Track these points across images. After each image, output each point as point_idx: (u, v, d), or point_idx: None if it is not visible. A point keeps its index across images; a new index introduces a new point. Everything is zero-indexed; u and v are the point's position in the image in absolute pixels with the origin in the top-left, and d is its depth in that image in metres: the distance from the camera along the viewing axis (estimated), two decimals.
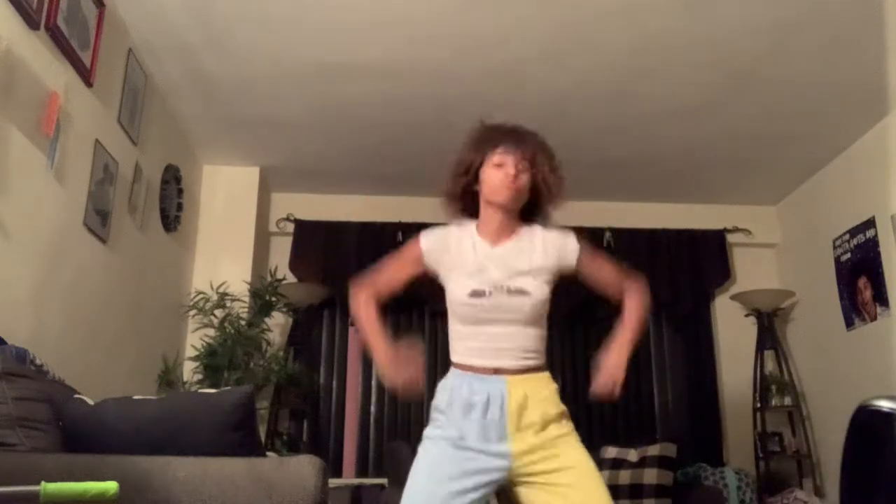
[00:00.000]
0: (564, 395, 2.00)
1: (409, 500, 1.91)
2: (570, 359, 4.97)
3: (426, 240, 2.10)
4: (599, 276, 2.15)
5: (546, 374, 2.00)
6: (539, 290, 1.99)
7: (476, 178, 2.05)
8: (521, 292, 1.97)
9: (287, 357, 4.55)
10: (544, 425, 1.88)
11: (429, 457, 1.94)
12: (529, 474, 1.85)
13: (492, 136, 2.05)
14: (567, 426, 1.93)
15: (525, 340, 1.98)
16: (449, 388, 2.00)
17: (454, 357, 2.07)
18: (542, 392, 1.95)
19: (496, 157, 2.01)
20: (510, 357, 1.97)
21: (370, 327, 2.14)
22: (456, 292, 2.01)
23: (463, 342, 2.05)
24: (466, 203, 2.10)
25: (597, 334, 5.08)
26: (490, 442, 1.87)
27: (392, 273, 2.22)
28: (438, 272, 2.09)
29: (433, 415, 2.01)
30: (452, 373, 2.04)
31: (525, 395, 1.91)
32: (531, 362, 1.99)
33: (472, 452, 1.86)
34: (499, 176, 2.00)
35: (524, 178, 2.00)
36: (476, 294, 1.98)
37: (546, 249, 2.05)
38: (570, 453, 1.88)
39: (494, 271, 2.00)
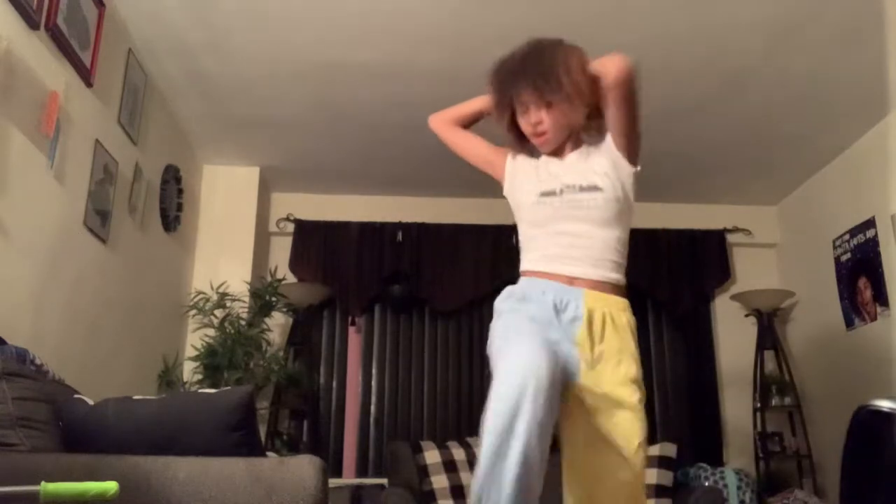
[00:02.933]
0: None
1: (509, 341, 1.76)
2: None
3: (512, 159, 2.09)
4: (609, 114, 1.98)
5: (627, 302, 1.91)
6: (613, 187, 1.92)
7: (514, 122, 2.02)
8: (594, 188, 1.91)
9: (287, 357, 4.55)
10: (615, 370, 1.81)
11: (510, 318, 1.86)
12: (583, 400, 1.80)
13: (504, 80, 1.98)
14: (635, 396, 1.84)
15: (602, 244, 1.90)
16: (521, 287, 1.92)
17: (523, 265, 1.98)
18: (622, 318, 1.86)
19: (517, 104, 1.97)
20: (586, 263, 1.88)
21: (461, 109, 2.18)
22: (526, 196, 1.98)
23: (533, 248, 1.97)
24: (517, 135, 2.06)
25: None
26: (565, 339, 1.80)
27: (475, 142, 2.18)
28: (508, 184, 2.07)
29: (503, 304, 1.91)
30: (521, 281, 1.96)
31: (603, 315, 1.83)
32: (611, 274, 1.89)
33: (552, 327, 1.80)
34: (525, 125, 1.98)
35: (553, 116, 1.93)
36: (547, 193, 1.94)
37: (603, 153, 1.99)
38: (625, 426, 1.82)
39: (565, 175, 1.96)
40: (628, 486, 1.81)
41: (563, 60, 1.91)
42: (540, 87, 1.90)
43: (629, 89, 1.88)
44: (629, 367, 1.83)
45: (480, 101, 2.13)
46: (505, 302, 1.91)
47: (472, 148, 2.17)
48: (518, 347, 1.67)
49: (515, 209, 2.05)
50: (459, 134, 2.19)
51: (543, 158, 2.06)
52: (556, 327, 1.81)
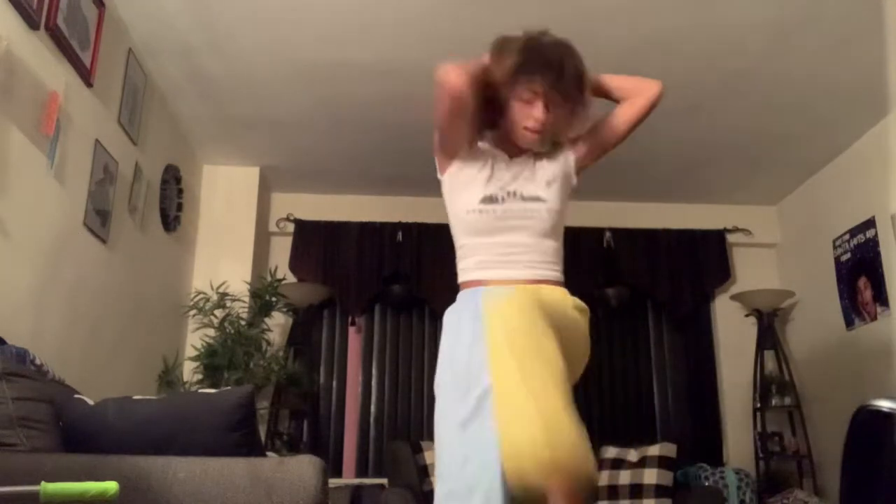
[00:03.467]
0: None
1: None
2: None
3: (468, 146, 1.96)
4: (609, 135, 1.99)
5: (565, 290, 1.85)
6: (555, 199, 1.89)
7: (500, 98, 1.87)
8: (536, 199, 1.88)
9: (287, 357, 4.54)
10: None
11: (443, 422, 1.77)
12: None
13: (528, 61, 1.83)
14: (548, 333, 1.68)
15: (540, 254, 1.86)
16: (456, 315, 1.84)
17: (461, 277, 1.94)
18: (555, 294, 1.81)
19: (526, 89, 1.84)
20: (523, 266, 1.84)
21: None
22: (465, 199, 1.90)
23: (471, 257, 1.91)
24: (485, 111, 1.91)
25: (595, 334, 5.09)
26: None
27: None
28: (455, 172, 1.95)
29: (442, 377, 1.82)
30: (458, 297, 1.91)
31: (536, 297, 1.75)
32: (548, 272, 1.86)
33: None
34: (522, 115, 1.86)
35: (550, 120, 1.86)
36: (489, 199, 1.87)
37: (556, 162, 1.96)
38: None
39: (511, 181, 1.89)
40: None
41: (587, 75, 1.91)
42: (573, 94, 1.85)
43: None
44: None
45: (482, 62, 1.90)
46: (444, 370, 1.82)
47: (467, 123, 1.94)
48: None
49: (453, 206, 1.96)
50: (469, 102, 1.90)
51: (490, 150, 1.96)
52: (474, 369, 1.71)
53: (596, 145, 2.01)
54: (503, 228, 1.86)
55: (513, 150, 1.96)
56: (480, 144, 1.99)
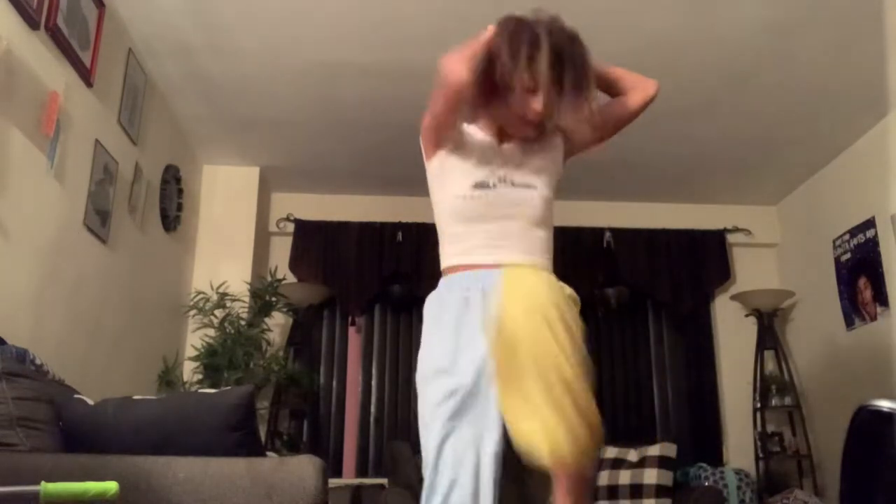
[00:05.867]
0: None
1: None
2: None
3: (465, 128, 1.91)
4: (612, 124, 1.94)
5: (554, 277, 1.79)
6: (545, 187, 1.86)
7: (499, 80, 1.79)
8: (527, 186, 1.84)
9: (287, 357, 4.55)
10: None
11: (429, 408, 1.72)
12: None
13: (535, 51, 1.75)
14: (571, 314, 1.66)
15: (530, 241, 1.82)
16: (437, 301, 1.80)
17: (445, 262, 1.86)
18: (549, 279, 1.74)
19: (530, 79, 1.76)
20: (514, 251, 1.79)
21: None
22: (456, 184, 1.84)
23: (460, 243, 1.84)
24: (483, 92, 1.82)
25: (595, 334, 5.09)
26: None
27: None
28: (443, 156, 1.88)
29: (424, 370, 1.78)
30: (444, 282, 1.85)
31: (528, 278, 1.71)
32: (538, 259, 1.81)
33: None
34: (522, 105, 1.79)
35: (548, 112, 1.80)
36: (480, 185, 1.82)
37: (546, 150, 1.93)
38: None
39: (501, 166, 1.86)
40: None
41: (592, 66, 1.84)
42: (580, 86, 1.78)
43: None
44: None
45: (484, 40, 1.83)
46: (429, 354, 1.78)
47: (461, 110, 1.87)
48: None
49: (441, 192, 1.90)
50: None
51: (479, 133, 1.92)
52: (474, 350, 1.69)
53: (585, 138, 1.95)
54: (495, 216, 1.81)
55: (503, 134, 1.92)
56: (468, 127, 1.93)
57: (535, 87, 1.78)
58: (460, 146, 1.90)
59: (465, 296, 1.76)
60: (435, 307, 1.83)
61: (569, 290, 1.80)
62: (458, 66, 1.74)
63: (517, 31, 1.81)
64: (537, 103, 1.78)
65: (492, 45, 1.81)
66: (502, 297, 1.67)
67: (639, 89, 1.98)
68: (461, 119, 1.91)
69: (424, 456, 1.69)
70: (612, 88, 2.00)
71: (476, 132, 1.94)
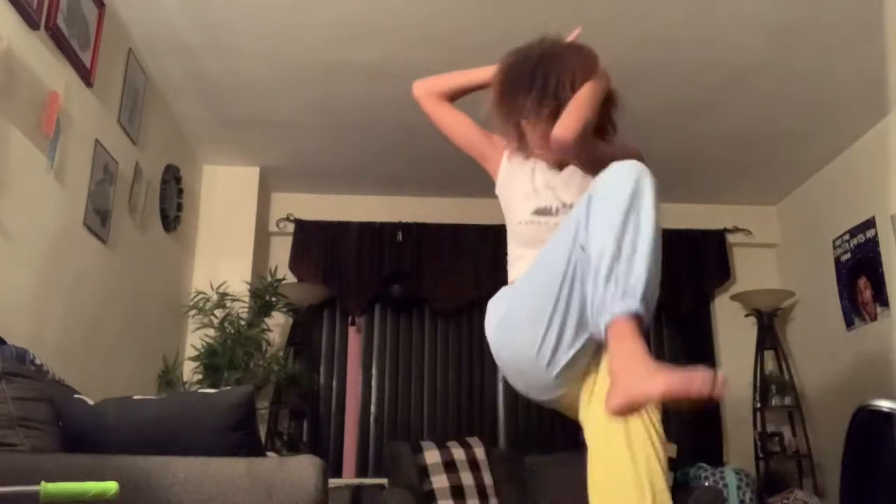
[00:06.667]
0: None
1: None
2: None
3: (508, 161, 1.96)
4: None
5: None
6: None
7: (517, 119, 1.88)
8: None
9: (287, 357, 4.55)
10: None
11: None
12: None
13: (519, 82, 1.84)
14: None
15: None
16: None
17: (512, 276, 1.90)
18: None
19: (528, 111, 1.83)
20: None
21: (454, 79, 2.00)
22: (518, 210, 1.87)
23: (521, 266, 1.86)
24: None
25: None
26: None
27: (465, 125, 2.01)
28: (502, 185, 1.95)
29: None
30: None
31: None
32: None
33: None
34: (533, 138, 1.86)
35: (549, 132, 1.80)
36: (542, 212, 1.84)
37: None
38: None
39: (561, 190, 1.86)
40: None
41: (582, 68, 1.83)
42: (560, 97, 1.79)
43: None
44: None
45: (483, 74, 1.97)
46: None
47: (463, 132, 2.01)
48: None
49: (507, 216, 1.95)
50: (449, 112, 2.03)
51: (540, 164, 1.95)
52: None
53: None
54: None
55: (558, 162, 1.93)
56: (525, 158, 1.97)
57: (534, 120, 1.84)
58: (516, 173, 1.94)
59: None
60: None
61: None
62: (416, 87, 2.06)
63: (496, 73, 1.91)
64: (538, 133, 1.84)
65: (499, 107, 1.91)
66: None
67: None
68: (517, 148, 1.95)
69: None
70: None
71: (535, 161, 1.95)
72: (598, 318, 1.46)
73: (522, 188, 1.91)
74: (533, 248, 1.83)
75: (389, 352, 4.99)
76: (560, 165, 1.93)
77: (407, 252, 4.99)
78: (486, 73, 1.99)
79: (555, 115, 1.80)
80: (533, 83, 1.82)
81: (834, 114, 4.08)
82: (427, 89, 2.04)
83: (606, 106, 1.88)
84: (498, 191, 2.00)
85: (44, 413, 2.02)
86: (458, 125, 2.02)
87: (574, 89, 1.80)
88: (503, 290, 1.86)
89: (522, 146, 1.95)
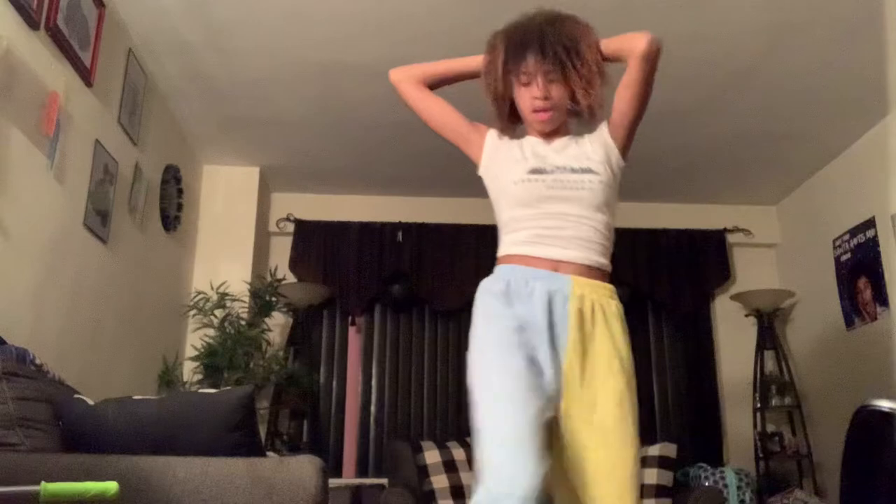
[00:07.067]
0: None
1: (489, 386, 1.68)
2: None
3: (493, 134, 1.93)
4: (618, 106, 1.90)
5: (613, 289, 1.83)
6: (606, 172, 1.84)
7: (509, 92, 1.86)
8: (587, 170, 1.81)
9: (287, 357, 4.55)
10: (604, 386, 1.69)
11: (494, 334, 1.72)
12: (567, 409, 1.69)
13: (519, 45, 1.81)
14: (625, 374, 1.71)
15: (592, 227, 1.81)
16: (504, 281, 1.78)
17: (505, 250, 1.85)
18: (611, 307, 1.77)
19: (521, 73, 1.81)
20: (575, 245, 1.78)
21: (434, 67, 1.97)
22: (512, 173, 1.83)
23: (517, 229, 1.82)
24: (504, 109, 1.91)
25: None
26: (552, 348, 1.69)
27: (447, 109, 1.98)
28: (487, 161, 1.92)
29: (487, 306, 1.78)
30: (501, 270, 1.83)
31: (592, 306, 1.74)
32: (599, 258, 1.82)
33: (539, 337, 1.69)
34: (526, 98, 1.83)
35: (559, 93, 1.81)
36: (537, 171, 1.81)
37: (594, 138, 1.91)
38: (610, 409, 1.68)
39: (555, 158, 1.84)
40: None
41: (584, 36, 1.84)
42: (562, 59, 1.78)
43: (655, 66, 1.85)
44: (617, 380, 1.71)
45: (467, 63, 1.96)
46: (489, 303, 1.78)
47: (446, 118, 1.96)
48: (504, 426, 1.58)
49: (496, 189, 1.89)
50: (430, 98, 1.99)
51: (529, 139, 1.92)
52: (542, 335, 1.71)
53: (618, 122, 1.92)
54: (554, 198, 1.79)
55: (548, 135, 1.91)
56: (515, 139, 1.96)
57: (528, 79, 1.82)
58: (505, 150, 1.92)
59: (533, 300, 1.74)
60: (502, 290, 1.79)
61: (621, 309, 1.82)
62: (393, 73, 2.01)
63: (491, 44, 1.89)
64: (535, 90, 1.81)
65: (478, 67, 1.91)
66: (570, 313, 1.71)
67: (630, 53, 1.88)
68: (508, 134, 1.94)
69: None
70: (615, 58, 1.94)
71: (525, 139, 1.95)
72: None
73: (513, 157, 1.89)
74: (530, 208, 1.80)
75: (389, 352, 4.99)
76: (548, 137, 1.91)
77: (407, 252, 4.99)
78: (466, 62, 1.98)
79: (553, 81, 1.80)
80: (543, 46, 1.79)
81: (834, 114, 4.08)
82: (407, 75, 2.03)
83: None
84: (483, 169, 1.95)
85: (44, 413, 2.02)
86: (440, 109, 1.98)
87: (579, 56, 1.80)
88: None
89: (510, 124, 1.93)
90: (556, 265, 1.77)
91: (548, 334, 1.71)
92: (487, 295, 1.79)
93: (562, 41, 1.80)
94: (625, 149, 1.93)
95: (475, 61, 1.96)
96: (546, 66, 1.79)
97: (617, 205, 1.93)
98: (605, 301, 1.78)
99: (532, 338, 1.70)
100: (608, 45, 1.91)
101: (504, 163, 1.89)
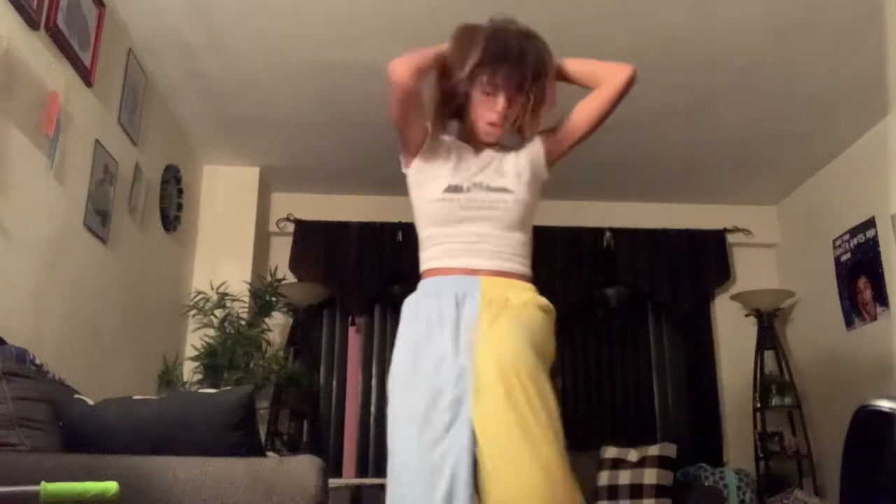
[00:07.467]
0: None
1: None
2: (571, 361, 4.97)
3: (431, 138, 1.92)
4: (574, 125, 1.90)
5: (532, 286, 1.80)
6: (523, 190, 1.84)
7: (460, 90, 1.82)
8: (502, 189, 1.82)
9: (287, 357, 4.55)
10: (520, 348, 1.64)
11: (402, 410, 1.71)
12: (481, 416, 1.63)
13: (489, 54, 1.78)
14: (540, 368, 1.67)
15: (506, 244, 1.80)
16: (415, 314, 1.78)
17: (425, 265, 1.86)
18: (522, 296, 1.75)
19: (488, 83, 1.79)
20: (488, 256, 1.78)
21: (428, 54, 1.86)
22: (430, 190, 1.85)
23: (436, 246, 1.84)
24: (448, 102, 1.88)
25: (595, 334, 5.09)
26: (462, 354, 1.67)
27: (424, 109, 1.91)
28: (419, 165, 1.91)
29: (400, 364, 1.78)
30: (422, 286, 1.84)
31: (505, 297, 1.72)
32: (515, 265, 1.80)
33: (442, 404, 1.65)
34: (484, 108, 1.82)
35: (513, 113, 1.82)
36: (452, 189, 1.82)
37: (525, 153, 1.91)
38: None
39: (477, 172, 1.85)
40: None
41: (550, 64, 1.84)
42: (530, 83, 1.78)
43: (626, 95, 1.85)
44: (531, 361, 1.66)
45: (438, 51, 1.88)
46: (403, 357, 1.78)
47: (422, 116, 1.90)
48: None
49: (415, 199, 1.92)
50: (420, 94, 1.89)
51: (457, 144, 1.92)
52: (450, 343, 1.69)
53: (563, 138, 1.93)
54: (467, 218, 1.81)
55: (478, 143, 1.92)
56: (444, 137, 1.95)
57: (493, 91, 1.81)
58: (435, 153, 1.91)
59: (438, 303, 1.75)
60: (414, 309, 1.81)
61: (542, 300, 1.80)
62: (399, 69, 1.81)
63: (470, 40, 1.83)
64: (499, 105, 1.81)
65: (446, 55, 1.85)
66: (480, 348, 1.67)
67: (608, 81, 1.88)
68: (426, 125, 1.92)
69: None
70: (585, 82, 1.94)
71: (451, 140, 1.94)
72: None
73: (437, 166, 1.89)
74: (446, 227, 1.82)
75: (389, 352, 4.96)
76: (479, 145, 1.91)
77: (407, 252, 4.97)
78: (440, 50, 1.93)
79: (514, 101, 1.80)
80: (520, 65, 1.78)
81: (834, 114, 4.08)
82: (411, 67, 1.85)
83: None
84: (414, 169, 1.94)
85: (44, 413, 2.02)
86: (421, 106, 1.91)
87: (542, 85, 1.80)
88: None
89: (446, 118, 1.91)
90: (468, 271, 1.79)
91: (453, 338, 1.70)
92: (402, 342, 1.81)
93: (538, 68, 1.80)
94: (555, 163, 1.95)
95: (444, 48, 1.91)
96: (517, 86, 1.79)
97: (534, 217, 1.91)
98: (518, 293, 1.77)
99: (441, 375, 1.68)
100: (582, 67, 1.91)
101: (429, 172, 1.89)
